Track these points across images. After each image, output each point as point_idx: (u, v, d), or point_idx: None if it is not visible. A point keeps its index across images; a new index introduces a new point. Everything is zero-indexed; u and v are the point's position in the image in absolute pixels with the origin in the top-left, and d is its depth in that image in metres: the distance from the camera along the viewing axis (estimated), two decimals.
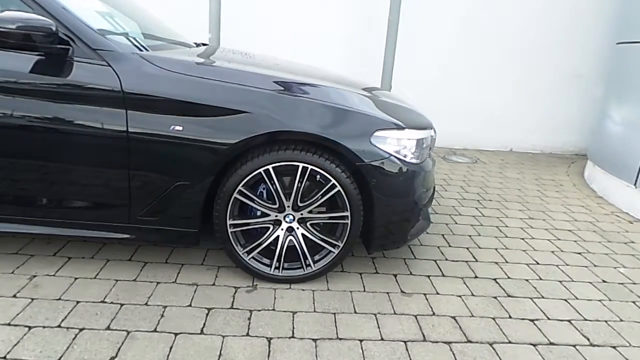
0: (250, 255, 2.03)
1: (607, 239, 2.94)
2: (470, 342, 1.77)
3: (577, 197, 3.81)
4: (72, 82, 1.74)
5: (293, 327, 1.77)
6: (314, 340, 1.71)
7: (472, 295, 2.12)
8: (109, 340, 1.61)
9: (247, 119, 1.82)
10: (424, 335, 1.79)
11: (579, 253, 2.68)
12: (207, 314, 1.81)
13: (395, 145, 1.97)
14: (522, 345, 1.78)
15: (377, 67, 4.70)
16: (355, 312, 1.90)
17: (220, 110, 1.80)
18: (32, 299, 1.80)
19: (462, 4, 5.01)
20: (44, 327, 1.65)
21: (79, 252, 2.19)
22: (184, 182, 1.86)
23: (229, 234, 1.97)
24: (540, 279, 2.33)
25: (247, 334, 1.71)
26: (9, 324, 1.65)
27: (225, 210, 1.92)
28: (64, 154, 1.82)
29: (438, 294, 2.10)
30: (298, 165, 1.89)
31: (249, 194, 1.92)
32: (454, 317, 1.92)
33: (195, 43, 2.92)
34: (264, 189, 2.04)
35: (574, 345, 1.80)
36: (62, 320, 1.69)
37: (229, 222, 1.95)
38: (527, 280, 2.30)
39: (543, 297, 2.14)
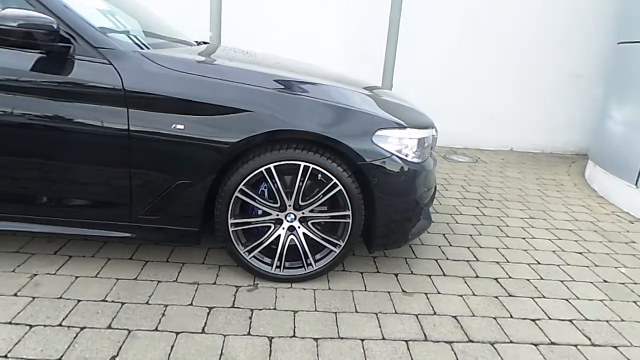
0: (252, 255, 2.02)
1: (608, 238, 2.94)
2: (472, 341, 1.77)
3: (578, 197, 3.81)
4: (73, 80, 1.73)
5: (294, 327, 1.77)
6: (315, 339, 1.71)
7: (474, 294, 2.11)
8: (110, 339, 1.61)
9: (248, 118, 1.81)
10: (425, 335, 1.78)
11: (580, 253, 2.68)
12: (208, 313, 1.80)
13: (397, 144, 1.97)
14: (524, 345, 1.78)
15: (378, 66, 4.69)
16: (357, 312, 1.90)
17: (221, 109, 1.80)
18: (33, 298, 1.80)
19: (463, 3, 5.00)
20: (45, 325, 1.65)
21: (80, 250, 2.19)
22: (185, 180, 1.85)
23: (230, 233, 1.97)
24: (542, 278, 2.32)
25: (249, 333, 1.71)
26: (10, 323, 1.65)
27: (226, 209, 1.92)
28: (65, 153, 1.81)
29: (439, 293, 2.10)
30: (299, 164, 1.88)
31: (250, 192, 1.92)
32: (455, 317, 1.92)
33: (196, 41, 2.92)
34: (265, 187, 2.04)
35: (576, 345, 1.80)
36: (63, 319, 1.69)
37: (230, 221, 1.95)
38: (528, 279, 2.30)
39: (544, 297, 2.14)
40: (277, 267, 2.04)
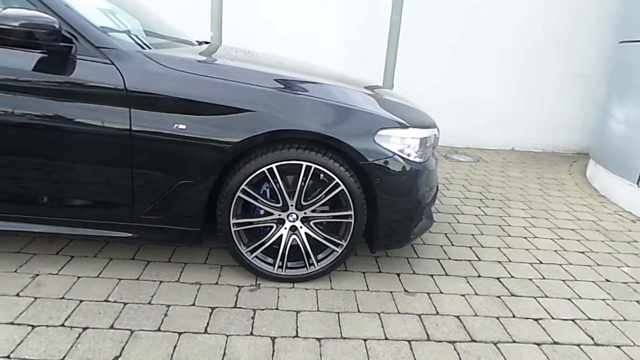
0: (254, 254, 2.02)
1: (610, 238, 2.93)
2: (475, 341, 1.77)
3: (580, 196, 3.80)
4: (75, 80, 1.73)
5: (297, 327, 1.77)
6: (318, 339, 1.70)
7: (476, 294, 2.11)
8: (112, 339, 1.61)
9: (250, 118, 1.81)
10: (428, 335, 1.78)
11: (582, 252, 2.68)
12: (210, 313, 1.80)
13: (399, 144, 1.96)
14: (527, 345, 1.77)
15: (379, 66, 4.68)
16: (359, 312, 1.90)
17: (224, 109, 1.79)
18: (35, 298, 1.80)
19: (464, 2, 4.99)
20: (47, 326, 1.65)
21: (82, 250, 2.19)
22: (187, 180, 1.85)
23: (232, 232, 1.97)
24: (544, 278, 2.32)
25: (251, 333, 1.70)
26: (12, 323, 1.65)
27: (228, 209, 1.92)
28: (67, 153, 1.81)
29: (442, 293, 2.10)
30: (301, 164, 1.88)
31: (252, 192, 1.92)
32: (457, 317, 1.92)
33: (198, 41, 2.91)
34: (267, 187, 2.04)
35: (578, 345, 1.80)
36: (66, 320, 1.69)
37: (232, 221, 1.94)
38: (530, 279, 2.29)
39: (547, 297, 2.14)
40: (279, 267, 2.03)
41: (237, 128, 1.80)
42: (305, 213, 2.00)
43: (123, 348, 1.57)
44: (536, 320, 1.94)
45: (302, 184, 1.92)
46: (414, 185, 2.02)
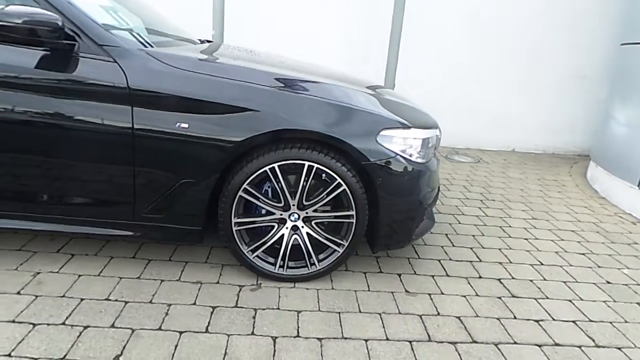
0: (255, 254, 2.02)
1: (610, 239, 2.94)
2: (476, 342, 1.77)
3: (580, 198, 3.80)
4: (77, 78, 1.73)
5: (298, 326, 1.77)
6: (319, 339, 1.70)
7: (477, 295, 2.11)
8: (113, 338, 1.61)
9: (253, 117, 1.81)
10: (429, 335, 1.78)
11: (583, 254, 2.68)
12: (211, 313, 1.80)
13: (401, 144, 1.96)
14: (527, 346, 1.77)
15: (380, 66, 4.68)
16: (360, 312, 1.90)
17: (226, 108, 1.79)
18: (36, 296, 1.80)
19: (466, 3, 4.99)
20: (48, 324, 1.65)
21: (83, 249, 2.18)
22: (189, 179, 1.85)
23: (234, 232, 1.96)
24: (545, 279, 2.32)
25: (252, 333, 1.70)
26: (13, 321, 1.64)
27: (230, 209, 1.91)
28: (69, 151, 1.81)
29: (442, 293, 2.10)
30: (304, 164, 1.88)
31: (254, 192, 1.92)
32: (458, 317, 1.92)
33: (200, 40, 2.91)
34: (269, 187, 2.04)
35: (579, 346, 1.80)
36: (67, 318, 1.69)
37: (233, 220, 1.94)
38: (531, 280, 2.29)
39: (547, 298, 2.14)
40: (280, 266, 2.03)
41: (239, 127, 1.80)
42: (306, 213, 1.99)
43: (124, 347, 1.57)
44: (537, 321, 1.94)
45: (304, 183, 1.92)
46: (415, 186, 2.02)
